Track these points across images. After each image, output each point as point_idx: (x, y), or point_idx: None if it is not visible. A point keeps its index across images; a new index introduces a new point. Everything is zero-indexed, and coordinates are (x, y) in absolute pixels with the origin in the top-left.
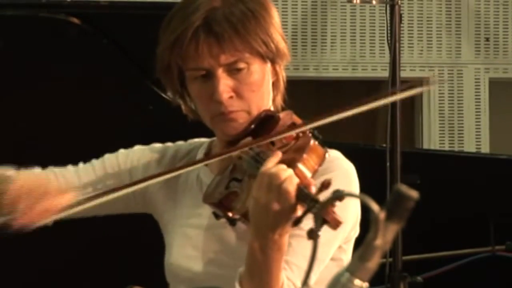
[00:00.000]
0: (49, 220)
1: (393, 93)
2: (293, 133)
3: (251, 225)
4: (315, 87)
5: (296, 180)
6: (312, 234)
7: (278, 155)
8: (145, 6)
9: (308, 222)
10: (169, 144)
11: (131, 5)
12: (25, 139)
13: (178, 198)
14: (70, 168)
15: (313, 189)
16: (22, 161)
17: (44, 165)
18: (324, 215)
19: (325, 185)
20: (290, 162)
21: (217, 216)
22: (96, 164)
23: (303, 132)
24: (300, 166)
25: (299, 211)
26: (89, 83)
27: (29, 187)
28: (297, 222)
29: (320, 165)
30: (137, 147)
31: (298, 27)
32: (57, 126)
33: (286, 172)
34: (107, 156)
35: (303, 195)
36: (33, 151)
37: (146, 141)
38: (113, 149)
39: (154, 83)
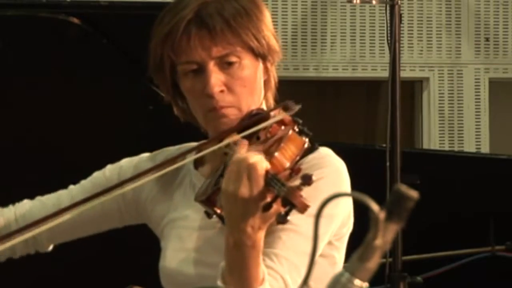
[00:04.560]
0: None
1: None
2: (269, 123)
3: (225, 219)
4: (315, 87)
5: (264, 165)
6: (281, 218)
7: (245, 144)
8: (145, 6)
9: (301, 217)
10: (157, 151)
11: (131, 5)
12: (25, 139)
13: (173, 203)
14: (61, 192)
15: (282, 176)
16: (22, 161)
17: (43, 165)
18: (292, 199)
19: (295, 171)
20: (268, 152)
21: (208, 215)
22: (85, 184)
23: (286, 124)
24: (277, 155)
25: (269, 198)
26: (89, 83)
27: None
28: (267, 207)
29: (299, 154)
30: (125, 160)
31: (298, 27)
32: (57, 126)
33: (253, 158)
34: (95, 174)
35: (272, 180)
36: (33, 151)
37: (146, 141)
38: (112, 149)
39: (154, 83)
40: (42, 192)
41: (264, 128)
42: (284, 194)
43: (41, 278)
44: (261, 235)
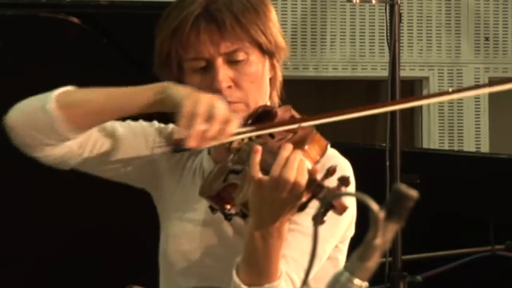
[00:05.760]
0: (215, 144)
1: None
2: (296, 126)
3: (252, 215)
4: (315, 87)
5: (306, 169)
6: (318, 219)
7: (289, 147)
8: (145, 6)
9: (306, 218)
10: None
11: (131, 5)
12: None
13: (181, 182)
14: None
15: (318, 176)
16: (22, 160)
17: (43, 164)
18: (332, 200)
19: (330, 172)
20: None
21: (213, 210)
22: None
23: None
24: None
25: (304, 198)
26: (89, 83)
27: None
28: (303, 207)
29: (321, 155)
30: (141, 122)
31: (298, 27)
32: None
33: (297, 163)
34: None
35: (309, 181)
36: None
37: None
38: None
39: (154, 82)
40: (42, 191)
41: (282, 125)
42: (323, 195)
43: (41, 279)
44: (287, 225)
